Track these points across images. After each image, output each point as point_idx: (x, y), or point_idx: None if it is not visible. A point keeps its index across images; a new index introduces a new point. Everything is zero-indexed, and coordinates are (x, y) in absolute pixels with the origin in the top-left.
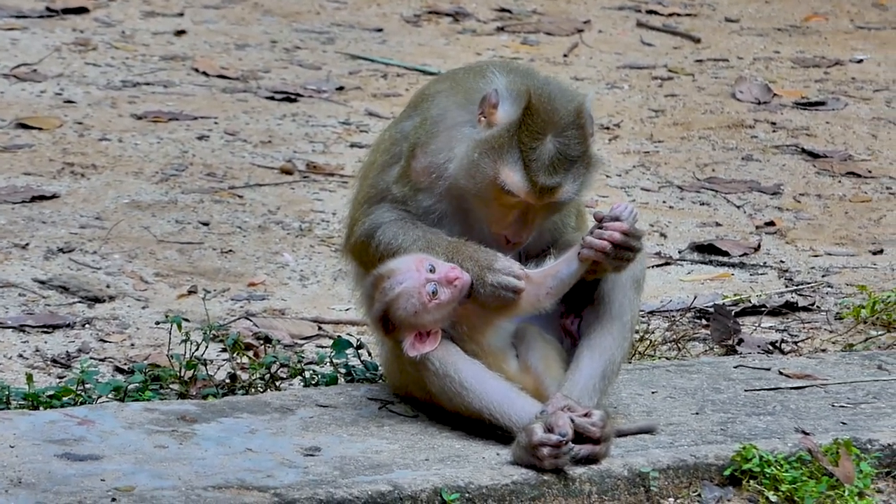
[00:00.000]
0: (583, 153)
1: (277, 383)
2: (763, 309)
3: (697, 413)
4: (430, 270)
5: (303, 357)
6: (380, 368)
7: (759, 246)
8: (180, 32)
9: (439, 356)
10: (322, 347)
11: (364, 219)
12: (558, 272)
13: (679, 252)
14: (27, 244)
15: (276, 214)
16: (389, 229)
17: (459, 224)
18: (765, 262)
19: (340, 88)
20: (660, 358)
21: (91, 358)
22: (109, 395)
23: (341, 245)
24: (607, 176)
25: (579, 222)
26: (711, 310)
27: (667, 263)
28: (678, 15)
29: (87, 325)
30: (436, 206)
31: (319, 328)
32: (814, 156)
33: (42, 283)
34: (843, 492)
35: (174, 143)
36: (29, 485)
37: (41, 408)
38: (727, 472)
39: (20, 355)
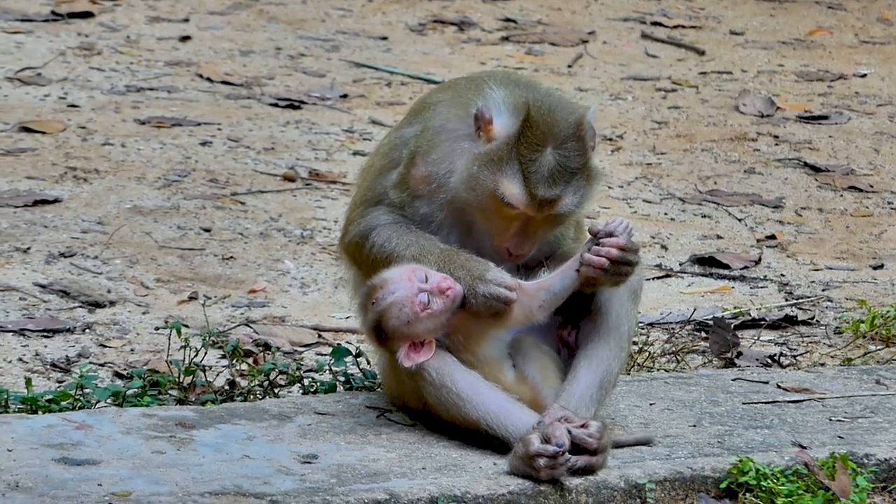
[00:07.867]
0: (583, 165)
1: (276, 390)
2: (762, 322)
3: (695, 425)
4: (423, 280)
5: (302, 364)
6: (378, 377)
7: (759, 259)
8: (185, 38)
9: (436, 366)
10: (321, 355)
11: (360, 220)
12: (551, 286)
13: (680, 264)
14: (28, 248)
15: (278, 221)
16: (384, 231)
17: (460, 235)
18: (765, 276)
19: (344, 96)
20: (658, 370)
21: (90, 363)
22: (108, 401)
23: (337, 244)
24: (609, 187)
25: (578, 233)
26: (711, 322)
27: (667, 276)
28: (683, 27)
29: (87, 330)
30: (435, 215)
31: (319, 336)
32: (816, 170)
33: (43, 287)
34: None
35: (177, 148)
36: (26, 489)
37: (39, 412)
38: (723, 485)
39: (20, 359)
